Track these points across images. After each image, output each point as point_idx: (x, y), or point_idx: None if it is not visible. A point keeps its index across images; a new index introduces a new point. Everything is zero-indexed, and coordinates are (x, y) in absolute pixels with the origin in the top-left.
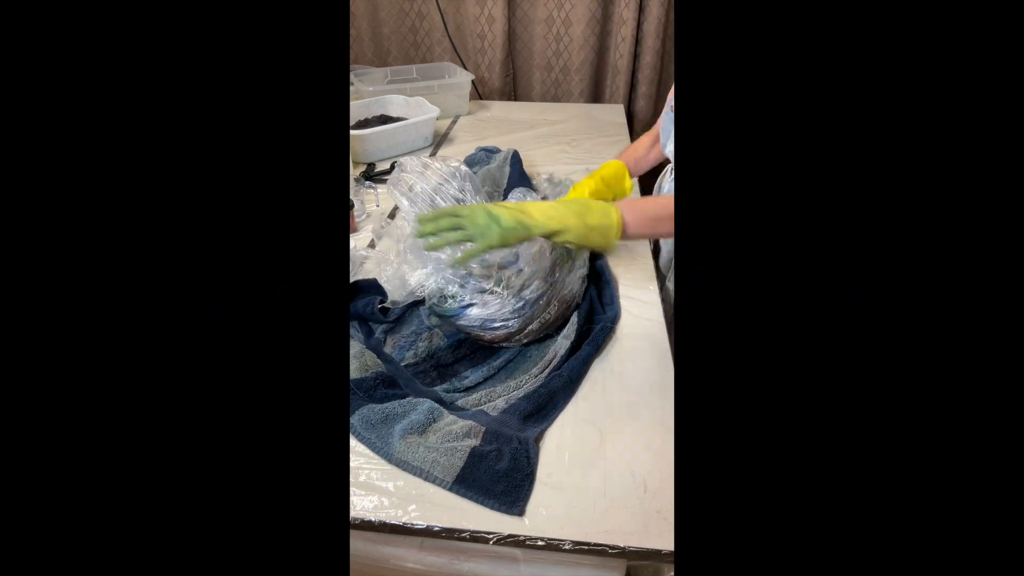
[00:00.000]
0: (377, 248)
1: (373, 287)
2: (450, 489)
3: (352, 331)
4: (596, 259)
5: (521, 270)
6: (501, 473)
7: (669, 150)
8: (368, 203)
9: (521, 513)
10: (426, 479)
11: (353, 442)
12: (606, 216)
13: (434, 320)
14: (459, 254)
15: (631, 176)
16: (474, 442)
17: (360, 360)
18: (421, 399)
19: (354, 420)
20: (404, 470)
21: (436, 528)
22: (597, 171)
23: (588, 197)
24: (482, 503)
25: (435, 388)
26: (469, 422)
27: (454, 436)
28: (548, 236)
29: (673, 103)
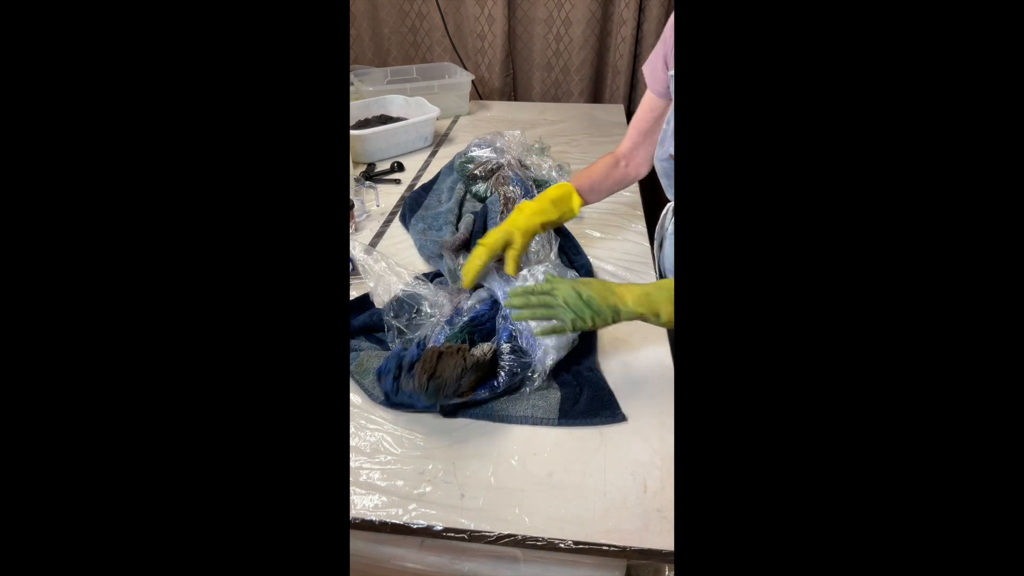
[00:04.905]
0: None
1: (366, 302)
2: (558, 424)
3: (367, 346)
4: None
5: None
6: (591, 398)
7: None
8: (368, 203)
9: (625, 419)
10: (535, 424)
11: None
12: None
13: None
14: (543, 325)
15: (585, 202)
16: (552, 384)
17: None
18: None
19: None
20: (510, 423)
21: (436, 528)
22: (543, 193)
23: (534, 217)
24: (589, 424)
25: None
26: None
27: (535, 386)
28: (636, 319)
29: (668, 117)
